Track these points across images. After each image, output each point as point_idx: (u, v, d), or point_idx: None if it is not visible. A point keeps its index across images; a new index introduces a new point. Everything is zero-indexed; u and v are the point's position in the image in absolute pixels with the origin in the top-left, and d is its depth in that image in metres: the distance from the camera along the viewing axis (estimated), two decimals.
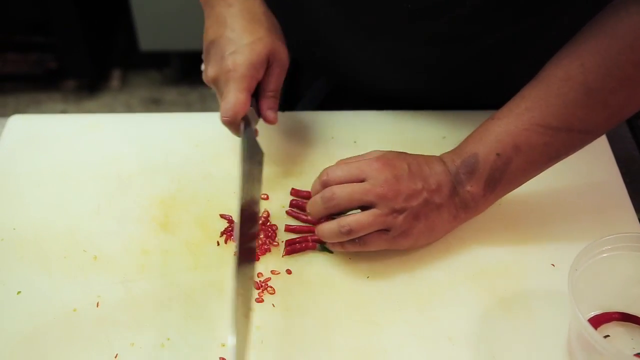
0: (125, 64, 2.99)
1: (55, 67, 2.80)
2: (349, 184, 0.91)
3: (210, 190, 1.05)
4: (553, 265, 0.94)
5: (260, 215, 1.01)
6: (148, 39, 2.74)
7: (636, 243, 0.85)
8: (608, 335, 0.87)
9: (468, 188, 0.93)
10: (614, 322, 0.89)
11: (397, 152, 0.95)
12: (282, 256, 0.96)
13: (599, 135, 0.94)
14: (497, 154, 0.92)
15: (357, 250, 0.93)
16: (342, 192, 0.92)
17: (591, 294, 0.86)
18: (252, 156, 0.97)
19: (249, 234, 0.89)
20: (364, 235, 0.91)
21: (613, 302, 0.89)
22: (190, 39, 2.62)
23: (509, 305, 0.90)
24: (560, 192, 1.04)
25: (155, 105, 2.87)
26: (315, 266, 0.95)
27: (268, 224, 1.00)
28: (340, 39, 1.13)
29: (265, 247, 0.97)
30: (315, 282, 0.92)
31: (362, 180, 0.91)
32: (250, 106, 0.97)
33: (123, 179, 1.06)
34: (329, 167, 0.95)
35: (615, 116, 0.91)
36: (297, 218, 1.01)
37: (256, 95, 1.00)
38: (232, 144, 1.08)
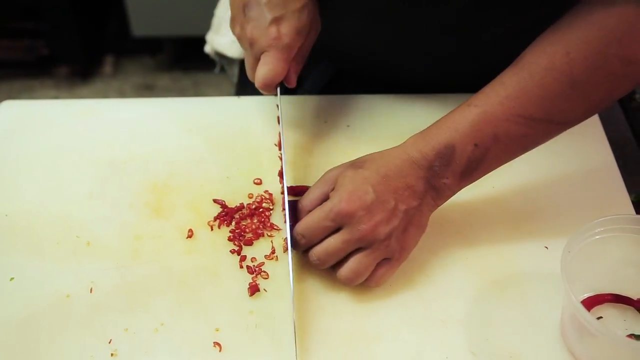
0: (118, 50, 2.99)
1: (47, 54, 2.80)
2: (327, 240, 0.88)
3: (203, 175, 1.05)
4: (546, 247, 0.94)
5: (254, 200, 1.01)
6: (140, 25, 2.73)
7: (629, 225, 0.85)
8: (601, 317, 0.88)
9: (444, 180, 0.90)
10: (606, 303, 0.89)
11: (352, 170, 0.91)
12: (284, 252, 0.95)
13: (573, 126, 0.92)
14: (475, 144, 0.89)
15: (379, 284, 0.91)
16: (324, 255, 0.90)
17: (584, 276, 0.87)
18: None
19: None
20: (371, 276, 0.89)
21: (606, 284, 0.89)
22: (183, 25, 2.63)
23: (503, 287, 0.91)
24: (554, 175, 1.04)
25: (148, 91, 2.87)
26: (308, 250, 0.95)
27: (261, 209, 1.00)
28: (346, 23, 1.13)
29: (259, 231, 0.97)
30: (308, 267, 0.92)
31: (339, 226, 0.88)
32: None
33: (116, 165, 1.06)
34: (298, 223, 0.92)
35: (594, 109, 0.92)
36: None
37: None
38: (225, 128, 1.08)
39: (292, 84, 1.00)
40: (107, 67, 2.96)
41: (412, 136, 0.92)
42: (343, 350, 0.84)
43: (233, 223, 0.99)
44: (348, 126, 1.11)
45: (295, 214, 0.92)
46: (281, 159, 0.98)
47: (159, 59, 2.96)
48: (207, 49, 1.43)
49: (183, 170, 1.05)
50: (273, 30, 0.96)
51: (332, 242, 0.88)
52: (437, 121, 0.92)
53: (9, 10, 2.74)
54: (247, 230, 0.97)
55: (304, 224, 0.90)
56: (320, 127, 1.12)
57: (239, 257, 0.94)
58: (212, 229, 0.98)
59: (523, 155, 0.93)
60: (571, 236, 0.82)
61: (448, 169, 0.90)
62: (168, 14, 2.62)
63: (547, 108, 0.88)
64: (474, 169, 0.91)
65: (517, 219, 0.99)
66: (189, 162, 1.07)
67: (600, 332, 0.76)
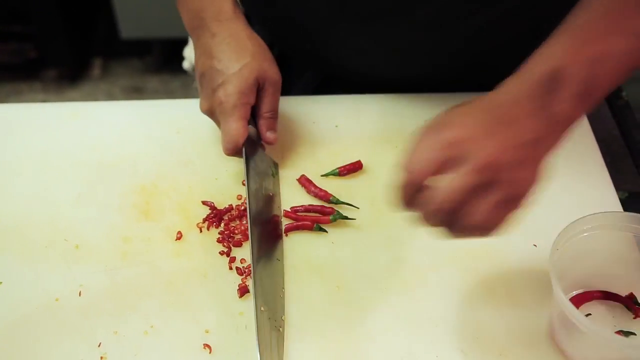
0: (106, 52, 2.99)
1: (36, 56, 2.80)
2: (447, 179, 0.76)
3: (191, 177, 1.05)
4: (535, 245, 0.95)
5: (242, 201, 1.01)
6: (129, 27, 2.73)
7: (617, 222, 0.86)
8: (590, 314, 0.88)
9: (556, 108, 0.81)
10: (595, 300, 0.90)
11: (464, 104, 0.82)
12: (286, 235, 0.97)
13: None
14: (583, 63, 0.82)
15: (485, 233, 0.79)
16: (452, 198, 0.76)
17: (572, 273, 0.87)
18: (262, 172, 1.01)
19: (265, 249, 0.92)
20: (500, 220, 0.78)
21: (594, 281, 0.90)
22: (172, 26, 2.61)
23: (492, 286, 0.91)
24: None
25: (137, 93, 2.87)
26: (299, 252, 0.95)
27: None
28: (332, 28, 1.14)
29: (249, 232, 0.97)
30: (299, 268, 0.93)
31: (451, 159, 0.77)
32: (253, 126, 1.00)
33: (104, 167, 1.05)
34: (409, 158, 0.79)
35: None
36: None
37: (255, 116, 1.02)
38: (213, 130, 1.08)
39: (272, 141, 1.02)
40: (96, 69, 2.96)
41: (509, 78, 0.84)
42: (334, 350, 0.84)
43: (222, 224, 0.98)
44: (336, 126, 1.11)
45: None
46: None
47: (148, 61, 2.97)
48: (186, 65, 1.43)
49: (171, 172, 1.05)
50: (219, 94, 0.99)
51: (453, 180, 0.75)
52: (530, 57, 0.85)
53: None
54: (236, 231, 0.97)
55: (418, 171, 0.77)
56: (309, 127, 1.12)
57: (229, 258, 0.94)
58: (201, 231, 0.97)
59: None
60: (559, 233, 0.83)
61: (556, 95, 0.81)
62: (157, 15, 2.62)
63: (630, 20, 0.85)
64: (590, 90, 0.82)
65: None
66: (177, 164, 1.07)
67: (590, 329, 0.76)
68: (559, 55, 0.83)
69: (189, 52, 1.41)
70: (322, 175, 1.05)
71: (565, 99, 0.81)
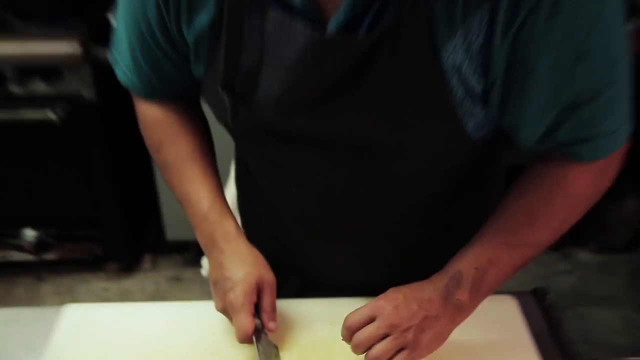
0: (155, 249, 3.00)
1: (101, 253, 2.81)
2: (366, 327, 0.93)
3: None
4: None
5: None
6: (173, 231, 2.76)
7: None
8: None
9: (457, 297, 0.95)
10: None
11: (394, 288, 0.97)
12: None
13: (546, 246, 0.99)
14: (476, 268, 0.95)
15: None
16: (364, 338, 0.94)
17: None
18: (268, 354, 1.01)
19: None
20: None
21: None
22: None
23: None
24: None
25: (177, 282, 2.85)
26: None
27: None
28: (308, 247, 1.15)
29: None
30: None
31: (374, 319, 0.93)
32: (258, 318, 1.01)
33: (149, 356, 1.04)
34: (348, 315, 0.97)
35: (558, 232, 0.98)
36: None
37: (258, 310, 1.03)
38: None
39: (273, 329, 1.02)
40: (147, 263, 2.96)
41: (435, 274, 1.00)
42: None
43: None
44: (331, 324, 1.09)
45: None
46: None
47: (186, 257, 2.96)
48: (203, 272, 1.40)
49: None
50: (230, 296, 1.00)
51: (370, 329, 0.93)
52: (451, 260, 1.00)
53: (75, 221, 2.77)
54: None
55: (351, 323, 0.95)
56: (298, 322, 1.10)
57: None
58: None
59: None
60: None
61: (459, 288, 0.95)
62: None
63: (520, 235, 0.96)
64: (479, 286, 0.95)
65: None
66: (208, 353, 1.05)
67: None
68: (464, 260, 0.97)
69: (205, 262, 1.38)
70: None
71: (462, 293, 0.95)
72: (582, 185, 0.93)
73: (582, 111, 0.84)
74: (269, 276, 1.03)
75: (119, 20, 1.02)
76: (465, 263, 0.96)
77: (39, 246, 2.73)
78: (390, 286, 1.15)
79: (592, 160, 0.91)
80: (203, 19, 0.91)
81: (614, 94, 0.85)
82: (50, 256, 2.77)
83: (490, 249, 0.96)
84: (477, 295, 0.96)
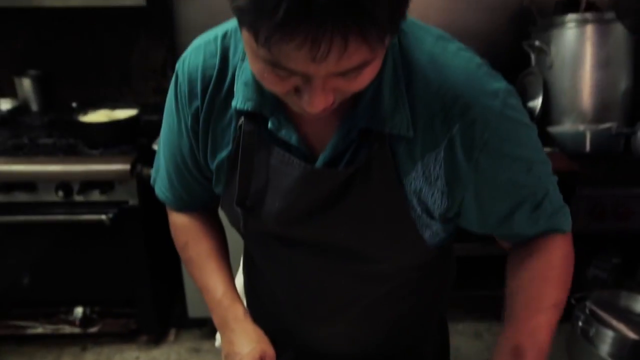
0: (178, 324, 3.00)
1: (135, 327, 2.84)
2: None
3: None
4: None
5: None
6: (194, 309, 2.82)
7: None
8: None
9: None
10: None
11: None
12: None
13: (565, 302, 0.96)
14: (527, 335, 0.93)
15: None
16: None
17: None
18: None
19: None
20: None
21: None
22: None
23: None
24: None
25: (196, 353, 2.85)
26: None
27: None
28: (301, 325, 1.18)
29: None
30: None
31: None
32: None
33: None
34: None
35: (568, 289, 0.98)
36: None
37: None
38: None
39: None
40: (171, 336, 2.97)
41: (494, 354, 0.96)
42: None
43: None
44: None
45: None
46: None
47: (204, 331, 2.97)
48: (217, 344, 1.31)
49: None
50: None
51: None
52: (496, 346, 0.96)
53: (115, 300, 2.81)
54: None
55: None
56: None
57: None
58: None
59: None
60: None
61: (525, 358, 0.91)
62: None
63: (544, 300, 0.94)
64: (541, 353, 0.92)
65: None
66: None
67: None
68: (511, 337, 0.93)
69: (218, 336, 1.24)
70: None
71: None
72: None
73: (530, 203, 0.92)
74: (270, 350, 1.04)
75: (159, 151, 1.09)
76: (516, 337, 0.93)
77: (85, 321, 2.78)
78: (378, 356, 1.20)
79: (566, 231, 0.98)
80: (223, 153, 0.97)
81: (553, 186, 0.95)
82: (93, 329, 2.81)
83: (525, 317, 0.94)
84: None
